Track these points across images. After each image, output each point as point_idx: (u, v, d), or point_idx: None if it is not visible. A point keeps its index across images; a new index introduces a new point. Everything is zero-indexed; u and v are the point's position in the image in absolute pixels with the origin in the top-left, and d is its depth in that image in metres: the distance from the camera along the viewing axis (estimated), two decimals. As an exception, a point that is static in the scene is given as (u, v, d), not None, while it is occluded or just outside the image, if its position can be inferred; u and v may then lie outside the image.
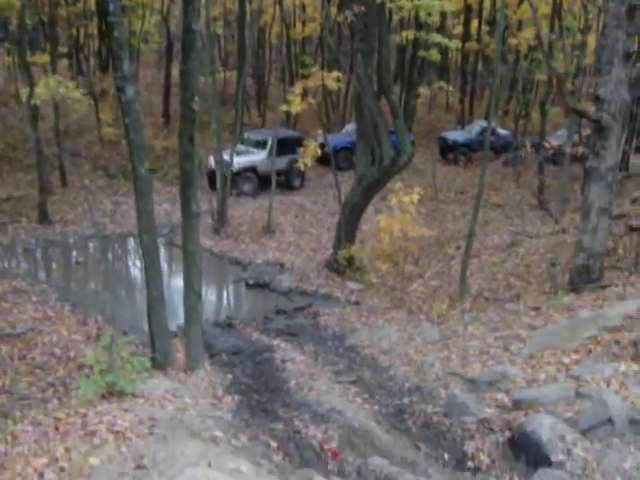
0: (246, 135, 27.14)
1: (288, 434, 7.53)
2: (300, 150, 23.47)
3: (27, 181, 24.50)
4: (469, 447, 7.72)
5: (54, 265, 20.52)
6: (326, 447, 7.13)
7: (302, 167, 20.19)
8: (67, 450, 5.38)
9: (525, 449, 7.13)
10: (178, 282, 14.08)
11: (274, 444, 7.00)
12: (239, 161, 24.17)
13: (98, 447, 5.45)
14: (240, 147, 25.08)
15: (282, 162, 25.10)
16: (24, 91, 18.46)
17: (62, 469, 4.98)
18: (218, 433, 6.55)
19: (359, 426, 8.22)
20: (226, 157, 23.13)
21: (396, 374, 11.37)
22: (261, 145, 26.86)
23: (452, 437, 8.18)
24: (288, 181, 27.09)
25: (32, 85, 19.88)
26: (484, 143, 16.98)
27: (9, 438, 6.06)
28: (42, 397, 11.18)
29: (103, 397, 7.31)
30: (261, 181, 26.26)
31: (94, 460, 5.08)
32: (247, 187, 25.95)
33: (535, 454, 6.94)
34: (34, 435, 6.04)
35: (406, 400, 9.94)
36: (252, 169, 26.04)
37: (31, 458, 5.31)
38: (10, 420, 7.98)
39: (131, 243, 21.48)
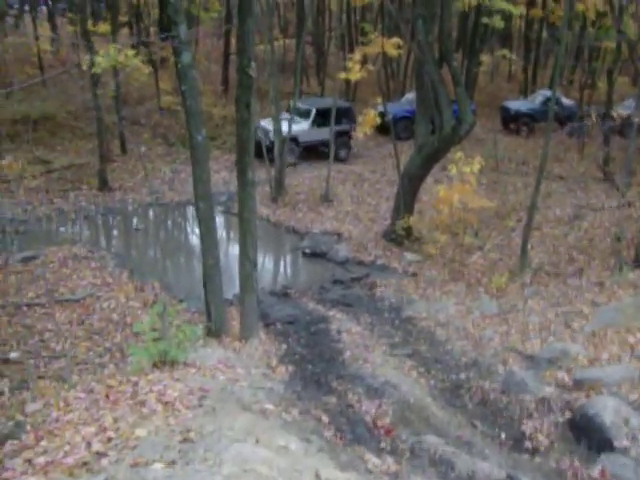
0: (294, 104, 26.50)
1: (340, 408, 7.40)
2: (347, 121, 22.95)
3: (88, 149, 24.75)
4: (527, 427, 7.49)
5: (113, 232, 20.73)
6: (379, 423, 6.97)
7: (359, 136, 19.71)
8: (115, 420, 5.31)
9: (586, 432, 6.87)
10: (235, 250, 14.02)
11: (326, 419, 6.86)
12: (284, 129, 23.47)
13: (146, 418, 5.38)
14: (284, 116, 24.53)
15: (327, 132, 24.65)
16: (85, 59, 18.49)
17: (109, 439, 4.90)
18: (269, 406, 6.44)
19: (414, 401, 8.05)
20: (268, 126, 22.86)
21: (453, 348, 11.15)
22: (305, 115, 26.19)
23: (509, 415, 7.96)
24: (334, 152, 26.07)
25: (93, 53, 19.95)
26: (547, 113, 16.44)
27: (62, 404, 6.07)
28: (99, 362, 11.33)
29: (155, 366, 7.27)
30: (305, 151, 25.89)
31: (141, 431, 4.99)
32: (288, 157, 24.24)
33: (597, 438, 6.67)
34: (85, 402, 6.03)
35: (463, 375, 9.74)
36: (293, 139, 24.94)
37: (80, 426, 5.26)
38: (67, 385, 8.07)
39: (189, 211, 21.44)
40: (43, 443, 5.00)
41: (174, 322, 10.44)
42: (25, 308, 13.52)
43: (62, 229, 19.12)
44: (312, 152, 25.61)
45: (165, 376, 6.68)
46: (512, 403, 8.21)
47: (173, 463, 4.40)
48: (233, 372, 7.80)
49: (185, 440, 4.84)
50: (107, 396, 6.09)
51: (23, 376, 10.54)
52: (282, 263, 19.25)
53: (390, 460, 5.82)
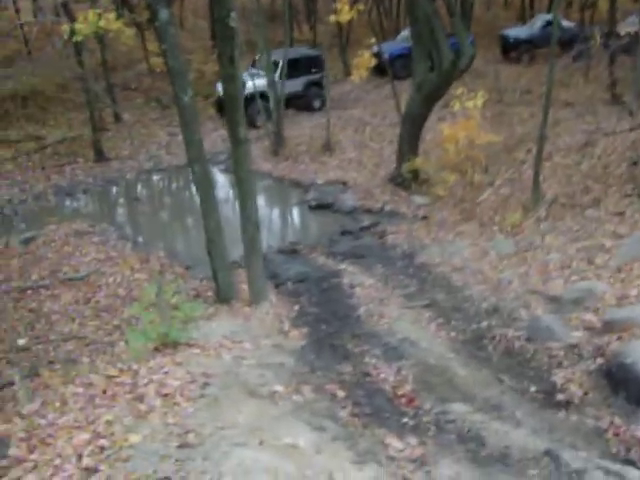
0: (259, 57, 24.64)
1: (357, 378, 6.92)
2: (317, 70, 22.46)
3: (80, 120, 24.16)
4: (557, 377, 6.97)
5: (113, 203, 20.23)
6: (399, 392, 6.49)
7: (354, 80, 19.02)
8: (110, 423, 4.83)
9: (624, 382, 6.32)
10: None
11: (341, 393, 6.39)
12: (248, 85, 22.36)
13: (143, 417, 4.89)
14: (252, 70, 23.67)
15: (297, 84, 23.91)
16: (65, 28, 17.78)
17: (102, 449, 4.40)
18: (278, 387, 5.95)
19: (435, 361, 7.56)
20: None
21: (472, 294, 10.60)
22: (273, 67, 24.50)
23: (538, 366, 7.45)
24: (307, 103, 25.49)
25: (72, 21, 19.23)
26: (548, 38, 15.63)
27: (58, 405, 5.63)
28: (109, 340, 10.98)
29: (156, 349, 6.82)
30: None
31: (135, 438, 4.51)
32: (257, 116, 23.30)
33: (638, 389, 6.13)
34: (82, 400, 5.58)
35: (484, 324, 9.23)
36: (262, 94, 22.88)
37: (74, 432, 4.80)
38: (74, 370, 7.71)
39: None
40: (33, 456, 4.53)
41: (179, 294, 10.06)
42: (30, 291, 13.15)
43: (61, 205, 18.66)
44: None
45: (166, 361, 6.23)
46: (539, 352, 7.69)
47: (167, 480, 3.93)
48: (240, 348, 7.32)
49: (183, 445, 4.36)
50: (104, 391, 5.63)
51: (33, 363, 10.25)
52: (288, 218, 18.74)
53: (414, 441, 5.31)
